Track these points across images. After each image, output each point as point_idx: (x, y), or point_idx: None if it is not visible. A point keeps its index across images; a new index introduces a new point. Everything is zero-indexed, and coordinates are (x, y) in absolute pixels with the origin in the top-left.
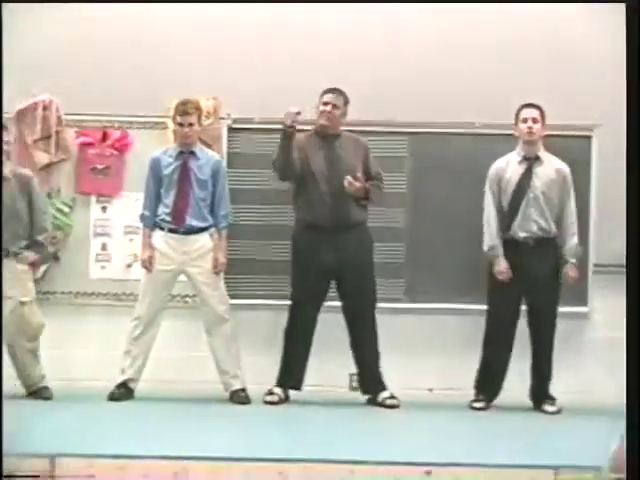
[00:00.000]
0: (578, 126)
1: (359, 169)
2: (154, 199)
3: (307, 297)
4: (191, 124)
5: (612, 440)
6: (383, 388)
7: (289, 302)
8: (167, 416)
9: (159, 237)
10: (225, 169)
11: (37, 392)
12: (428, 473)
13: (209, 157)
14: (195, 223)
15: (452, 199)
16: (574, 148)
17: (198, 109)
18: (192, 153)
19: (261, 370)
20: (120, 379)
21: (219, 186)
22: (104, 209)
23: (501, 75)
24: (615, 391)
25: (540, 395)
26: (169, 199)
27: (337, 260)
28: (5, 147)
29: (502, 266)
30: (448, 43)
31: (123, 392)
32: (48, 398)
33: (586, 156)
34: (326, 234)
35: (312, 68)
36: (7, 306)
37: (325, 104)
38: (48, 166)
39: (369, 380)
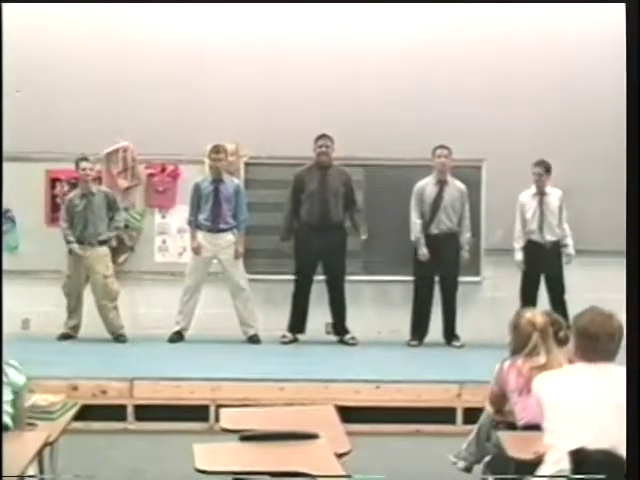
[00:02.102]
0: (474, 159)
1: (341, 191)
2: (196, 210)
3: (305, 272)
4: (220, 160)
5: (495, 363)
6: (347, 332)
7: (294, 276)
8: (206, 352)
9: (199, 235)
10: (243, 190)
11: (118, 337)
12: (378, 387)
13: (232, 182)
14: (223, 226)
15: (393, 207)
16: (471, 173)
17: (225, 151)
18: (221, 180)
19: (271, 319)
20: (175, 328)
21: (239, 201)
22: (164, 216)
23: (421, 124)
24: (498, 332)
25: (449, 335)
26: (207, 210)
27: (322, 248)
28: (90, 172)
29: (423, 251)
30: (398, 98)
31: (177, 337)
32: (125, 341)
33: (478, 179)
34: (316, 231)
35: (301, 121)
36: (95, 277)
37: (320, 147)
38: (127, 189)
39: (339, 327)
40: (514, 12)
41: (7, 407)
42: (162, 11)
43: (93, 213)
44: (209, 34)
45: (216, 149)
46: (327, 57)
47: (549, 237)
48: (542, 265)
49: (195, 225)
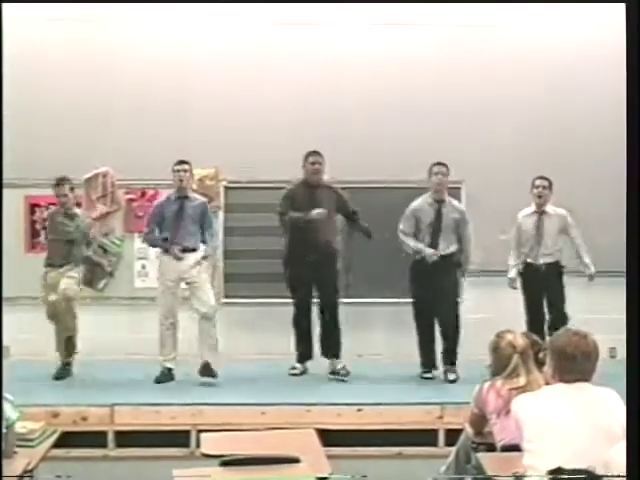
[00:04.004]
0: (453, 181)
1: (333, 209)
2: (154, 227)
3: (301, 298)
4: (184, 171)
5: (476, 385)
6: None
7: (293, 305)
8: (186, 376)
9: (162, 258)
10: (208, 210)
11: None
12: (359, 410)
13: (197, 200)
14: (187, 244)
15: (375, 230)
16: (451, 193)
17: (189, 165)
18: (186, 197)
19: (251, 344)
20: (165, 365)
21: (205, 221)
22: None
23: (402, 146)
24: (476, 349)
25: (448, 365)
26: (169, 229)
27: (315, 272)
28: (65, 200)
29: (430, 251)
30: (381, 120)
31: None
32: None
33: (458, 198)
34: (306, 255)
35: (282, 144)
36: (58, 298)
37: (313, 164)
38: (106, 214)
39: (332, 344)
40: (501, 24)
41: None
42: (143, 35)
43: (77, 239)
44: (189, 59)
45: (179, 161)
46: (308, 81)
47: (544, 259)
48: (541, 289)
49: (153, 243)
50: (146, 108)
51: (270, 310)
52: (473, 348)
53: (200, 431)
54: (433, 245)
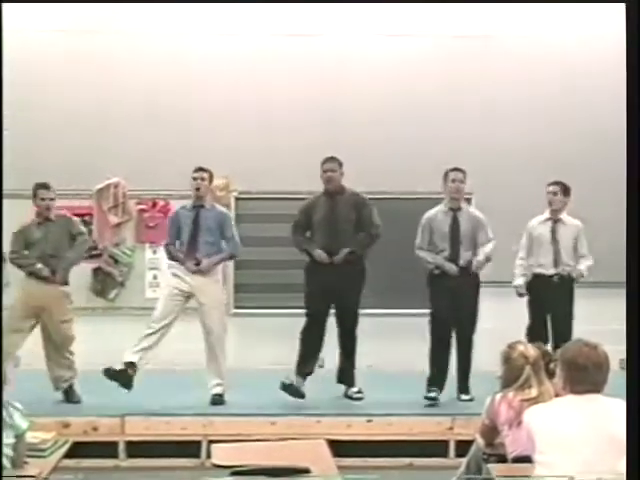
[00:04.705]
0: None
1: (354, 219)
2: (174, 239)
3: (315, 312)
4: (202, 180)
5: (487, 397)
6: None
7: (305, 315)
8: (196, 386)
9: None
10: (230, 219)
11: (67, 390)
12: (369, 421)
13: (215, 209)
14: (199, 257)
15: (389, 239)
16: None
17: (209, 173)
18: (202, 206)
19: (261, 353)
20: None
21: (224, 233)
22: (154, 252)
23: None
24: (491, 360)
25: (462, 387)
26: (184, 240)
27: (336, 284)
28: (47, 203)
29: (452, 267)
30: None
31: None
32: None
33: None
34: (327, 267)
35: (288, 159)
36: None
37: (326, 171)
38: (118, 225)
39: (347, 372)
40: (502, 30)
41: (7, 450)
42: (150, 44)
43: (52, 243)
44: (194, 69)
45: (197, 168)
46: (313, 90)
47: (556, 271)
48: (549, 302)
49: (172, 256)
50: (156, 118)
51: (280, 321)
52: (483, 359)
53: (211, 442)
54: (454, 257)
